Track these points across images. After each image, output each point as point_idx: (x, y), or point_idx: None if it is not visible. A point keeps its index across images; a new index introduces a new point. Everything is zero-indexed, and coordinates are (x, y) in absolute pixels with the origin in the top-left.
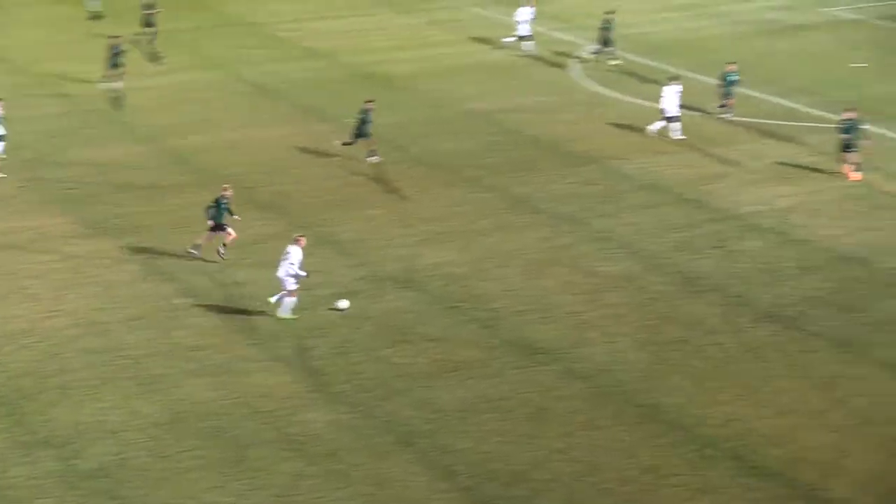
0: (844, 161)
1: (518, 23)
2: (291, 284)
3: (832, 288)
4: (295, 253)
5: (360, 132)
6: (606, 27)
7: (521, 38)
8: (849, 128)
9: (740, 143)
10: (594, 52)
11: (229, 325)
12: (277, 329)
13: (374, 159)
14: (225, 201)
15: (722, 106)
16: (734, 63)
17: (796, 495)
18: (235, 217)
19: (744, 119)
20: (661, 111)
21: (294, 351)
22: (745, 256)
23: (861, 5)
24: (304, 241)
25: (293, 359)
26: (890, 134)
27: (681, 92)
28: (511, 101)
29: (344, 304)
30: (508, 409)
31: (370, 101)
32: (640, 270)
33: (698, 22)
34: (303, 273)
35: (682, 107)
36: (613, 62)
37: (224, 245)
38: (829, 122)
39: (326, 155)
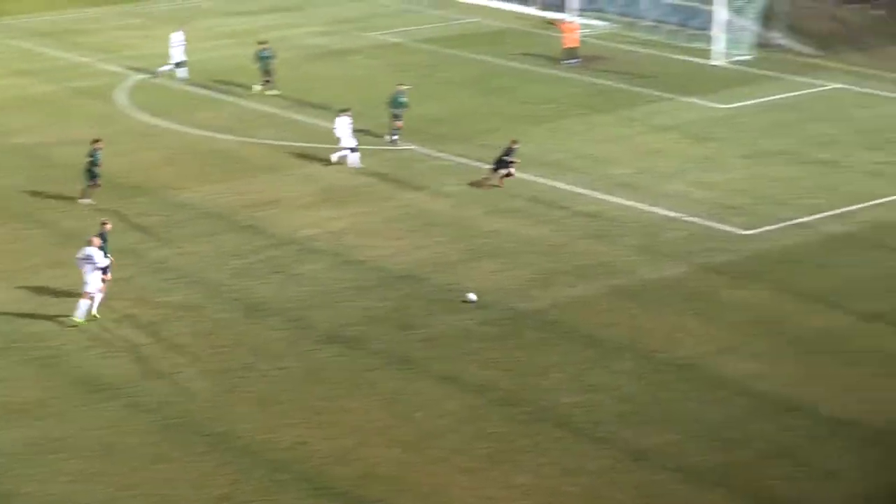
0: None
1: (172, 48)
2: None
3: (389, 307)
4: (95, 253)
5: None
6: (267, 57)
7: (177, 64)
8: (507, 151)
9: (292, 168)
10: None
11: None
12: None
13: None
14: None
15: (394, 131)
16: (404, 84)
17: None
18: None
19: (295, 144)
20: (339, 140)
21: None
22: (304, 280)
23: (400, 30)
24: (98, 240)
25: None
26: (435, 153)
27: (351, 122)
28: (58, 135)
29: (473, 296)
30: (75, 447)
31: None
32: (201, 299)
33: (248, 49)
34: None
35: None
36: (271, 92)
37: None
38: (378, 144)
39: None
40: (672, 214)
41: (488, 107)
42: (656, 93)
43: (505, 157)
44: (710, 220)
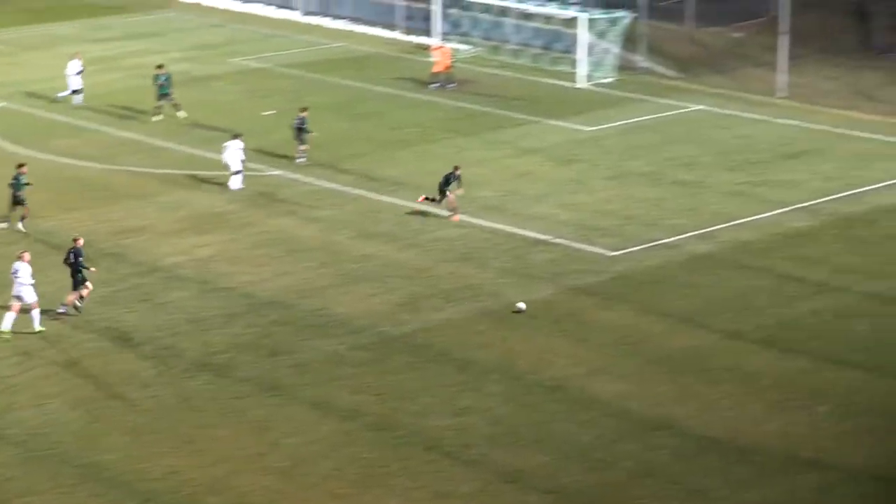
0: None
1: (69, 77)
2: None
3: (258, 333)
4: (23, 269)
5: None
6: (165, 81)
7: (74, 91)
8: (448, 177)
9: (157, 195)
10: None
11: None
12: None
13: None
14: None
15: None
16: (306, 109)
17: None
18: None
19: (158, 171)
20: (225, 165)
21: None
22: (171, 308)
23: (264, 55)
24: (28, 255)
25: None
26: (302, 178)
27: (243, 147)
28: None
29: (522, 305)
30: None
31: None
32: (68, 329)
33: (111, 75)
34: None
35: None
36: (157, 118)
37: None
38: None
39: None
40: (540, 237)
41: (355, 132)
42: (522, 116)
43: (445, 186)
44: (577, 241)
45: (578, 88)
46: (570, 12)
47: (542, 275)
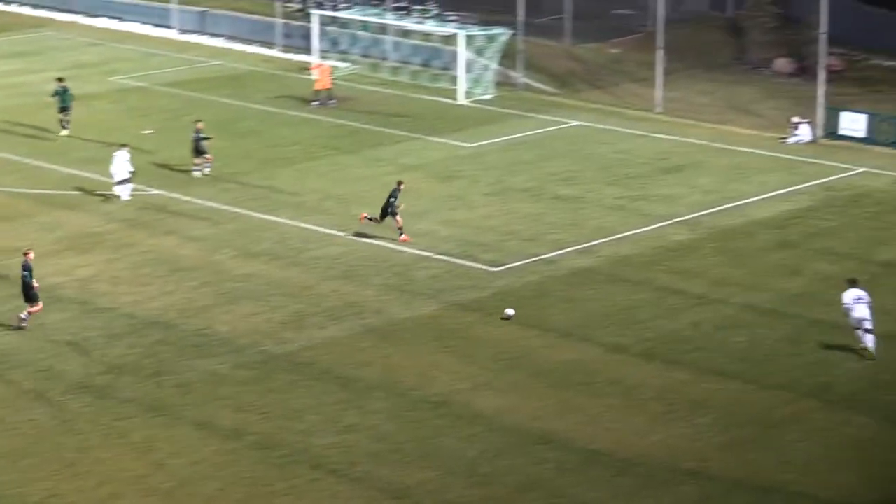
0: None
1: None
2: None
3: (140, 353)
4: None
5: None
6: (63, 94)
7: None
8: (393, 193)
9: (35, 215)
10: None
11: None
12: None
13: None
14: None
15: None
16: (200, 121)
17: None
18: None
19: (34, 190)
20: (112, 175)
21: None
22: (52, 329)
23: (143, 74)
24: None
25: None
26: (183, 197)
27: (129, 158)
28: None
29: (511, 311)
30: None
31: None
32: None
33: None
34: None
35: None
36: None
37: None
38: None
39: None
40: (422, 253)
41: (236, 150)
42: (402, 133)
43: (391, 199)
44: (459, 257)
45: (458, 105)
46: (448, 29)
47: (425, 291)
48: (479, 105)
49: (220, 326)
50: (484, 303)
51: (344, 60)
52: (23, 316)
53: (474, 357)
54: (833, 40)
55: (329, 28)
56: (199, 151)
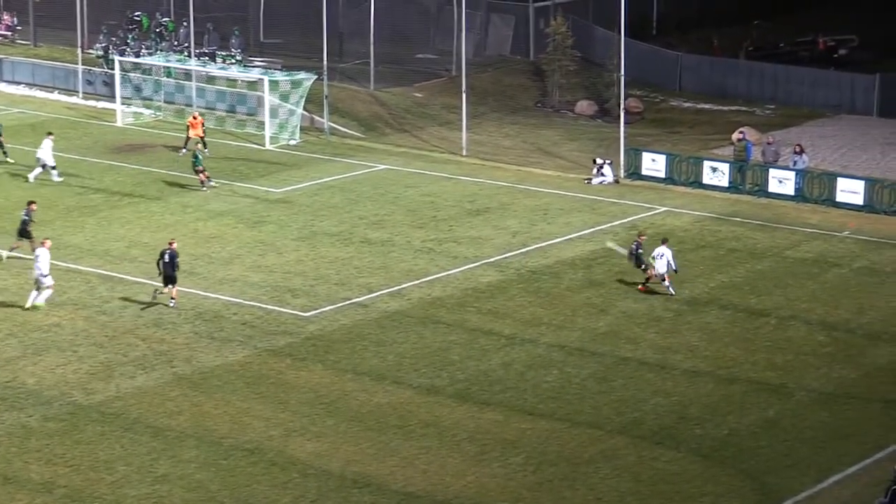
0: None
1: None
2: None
3: None
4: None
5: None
6: None
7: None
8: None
9: None
10: None
11: None
12: None
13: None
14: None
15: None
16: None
17: None
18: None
19: None
20: (38, 160)
21: None
22: None
23: None
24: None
25: None
26: None
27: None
28: None
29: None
30: None
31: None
32: None
33: None
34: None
35: None
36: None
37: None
38: None
39: None
40: (231, 299)
41: (38, 198)
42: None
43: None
44: (269, 303)
45: (265, 150)
46: (252, 75)
47: (236, 338)
48: (285, 150)
49: (26, 378)
50: (296, 348)
51: (147, 107)
52: (173, 296)
53: (287, 403)
54: (632, 83)
55: (132, 74)
56: (23, 235)
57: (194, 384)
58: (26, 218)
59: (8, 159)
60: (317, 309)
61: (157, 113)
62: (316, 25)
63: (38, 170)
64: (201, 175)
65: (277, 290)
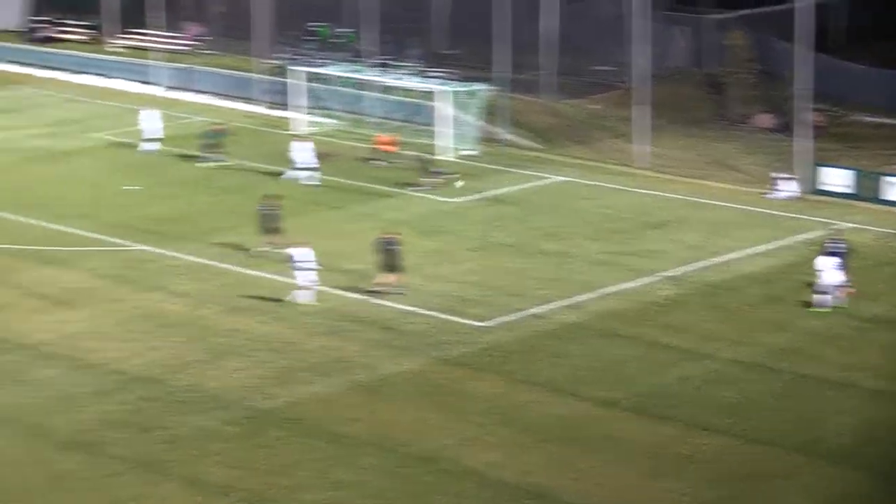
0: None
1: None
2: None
3: (128, 410)
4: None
5: None
6: None
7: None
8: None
9: (19, 272)
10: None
11: None
12: None
13: None
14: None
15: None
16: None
17: None
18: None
19: (16, 246)
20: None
21: None
22: (39, 385)
23: (126, 129)
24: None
25: None
26: (168, 253)
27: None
28: None
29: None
30: None
31: None
32: None
33: None
34: None
35: None
36: None
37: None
38: (106, 244)
39: None
40: (408, 308)
41: (220, 205)
42: (385, 188)
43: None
44: (445, 313)
45: (441, 160)
46: (429, 85)
47: (412, 346)
48: (462, 160)
49: (207, 382)
50: (472, 358)
51: (328, 117)
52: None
53: (463, 412)
54: (813, 97)
55: (312, 84)
56: (269, 230)
57: (371, 391)
58: (267, 212)
59: (226, 161)
60: (493, 319)
61: (335, 122)
62: (494, 37)
63: (296, 172)
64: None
65: (453, 299)
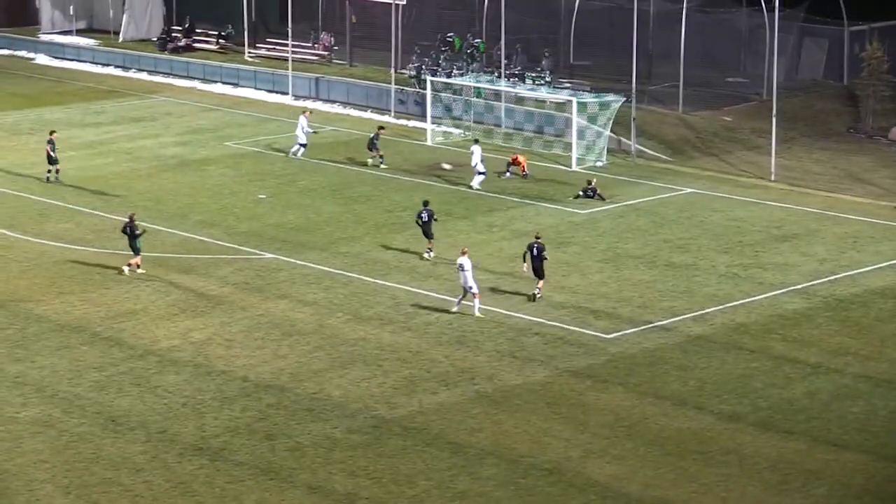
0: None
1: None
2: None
3: (253, 416)
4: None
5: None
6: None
7: (302, 145)
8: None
9: (151, 278)
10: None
11: None
12: None
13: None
14: None
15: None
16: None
17: None
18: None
19: (149, 254)
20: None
21: None
22: (165, 391)
23: (258, 138)
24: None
25: None
26: (296, 261)
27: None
28: None
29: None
30: None
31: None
32: (59, 414)
33: (103, 159)
34: None
35: None
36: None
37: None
38: (236, 252)
39: None
40: (534, 319)
41: (349, 214)
42: (515, 199)
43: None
44: (571, 324)
45: (571, 171)
46: (561, 96)
47: (537, 357)
48: (591, 172)
49: (332, 390)
50: (597, 369)
51: (457, 127)
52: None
53: (587, 424)
54: None
55: (443, 94)
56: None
57: (495, 402)
58: (425, 217)
59: (382, 164)
60: (619, 331)
61: (467, 133)
62: (625, 48)
63: (481, 176)
64: None
65: (580, 310)
